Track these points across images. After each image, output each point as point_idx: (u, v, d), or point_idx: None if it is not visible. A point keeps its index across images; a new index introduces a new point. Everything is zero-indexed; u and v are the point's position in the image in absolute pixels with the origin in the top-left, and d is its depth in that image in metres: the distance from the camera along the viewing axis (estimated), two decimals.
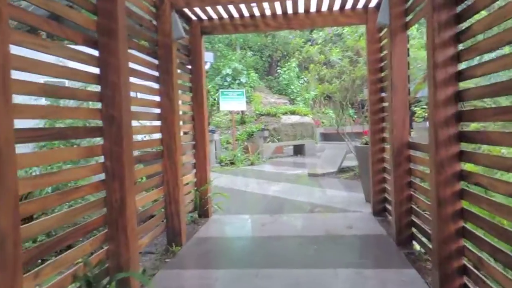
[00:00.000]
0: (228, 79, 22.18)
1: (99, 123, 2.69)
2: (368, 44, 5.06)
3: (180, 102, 4.83)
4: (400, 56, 3.86)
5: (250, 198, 7.07)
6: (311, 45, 8.96)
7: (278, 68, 25.64)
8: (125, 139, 2.68)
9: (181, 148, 4.22)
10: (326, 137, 22.89)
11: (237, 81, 21.91)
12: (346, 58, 7.65)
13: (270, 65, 28.28)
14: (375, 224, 4.61)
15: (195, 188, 5.27)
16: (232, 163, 11.63)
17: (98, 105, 2.69)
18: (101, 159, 2.69)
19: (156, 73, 4.02)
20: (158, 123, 4.03)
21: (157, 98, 4.06)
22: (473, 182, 2.41)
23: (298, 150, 14.29)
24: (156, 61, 4.04)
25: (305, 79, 25.90)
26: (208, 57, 9.23)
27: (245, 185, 8.26)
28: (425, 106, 8.85)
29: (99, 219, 2.64)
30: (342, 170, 9.32)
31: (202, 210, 5.27)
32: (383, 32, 4.74)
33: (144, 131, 3.89)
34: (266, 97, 23.78)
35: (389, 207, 4.81)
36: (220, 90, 12.50)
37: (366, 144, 5.90)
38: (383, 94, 4.99)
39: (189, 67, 5.20)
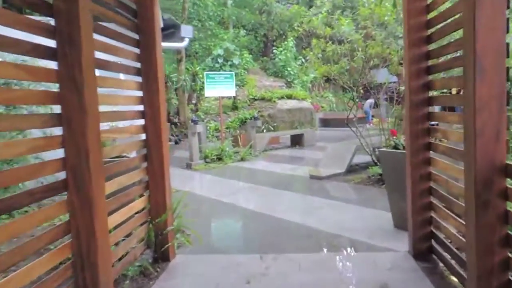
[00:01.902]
0: (220, 60, 20.32)
1: None
2: (408, 1, 3.29)
3: (109, 90, 3.11)
4: (492, 16, 2.11)
5: (234, 218, 5.39)
6: (315, 14, 7.12)
7: (274, 48, 23.70)
8: None
9: (102, 171, 2.48)
10: (325, 122, 21.15)
11: (229, 63, 20.06)
12: (360, 31, 5.88)
13: (265, 45, 26.28)
14: (424, 282, 2.93)
15: (149, 218, 3.56)
16: (219, 159, 9.91)
17: None
18: None
19: (52, 43, 2.25)
20: (59, 131, 2.28)
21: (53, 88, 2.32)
22: None
23: (296, 141, 12.58)
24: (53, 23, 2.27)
25: (303, 60, 24.00)
26: (185, 32, 7.45)
27: (229, 193, 6.56)
28: None
29: None
30: (351, 170, 7.64)
31: (159, 251, 3.58)
32: None
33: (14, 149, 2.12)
34: (260, 80, 21.92)
35: (441, 250, 3.14)
36: (205, 73, 10.69)
37: (395, 148, 4.18)
38: (430, 78, 3.27)
39: (136, 37, 3.42)
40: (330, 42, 7.16)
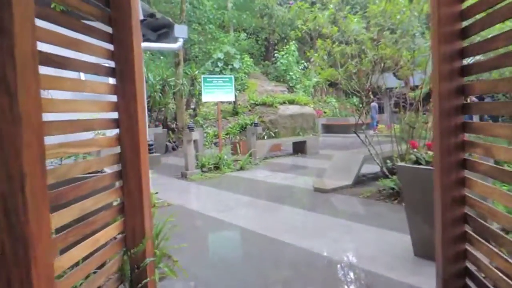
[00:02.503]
0: (220, 64, 19.79)
1: None
2: None
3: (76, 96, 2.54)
4: None
5: (230, 241, 4.78)
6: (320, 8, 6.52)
7: (276, 52, 23.17)
8: None
9: (45, 200, 1.88)
10: (328, 128, 20.58)
11: (229, 67, 19.53)
12: (372, 28, 5.29)
13: (267, 49, 25.78)
14: None
15: (124, 249, 2.96)
16: (216, 168, 9.31)
17: None
18: None
19: None
20: None
21: None
22: None
23: (299, 148, 11.99)
24: None
25: (305, 64, 23.45)
26: (179, 31, 6.89)
27: (226, 208, 5.95)
28: None
29: None
30: (358, 182, 7.03)
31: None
32: None
33: None
34: (262, 85, 21.37)
35: None
36: (202, 76, 10.12)
37: (417, 163, 3.58)
38: (465, 80, 2.67)
39: (109, 31, 2.83)
40: (337, 43, 6.58)
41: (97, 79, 2.86)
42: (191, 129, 8.64)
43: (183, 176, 8.70)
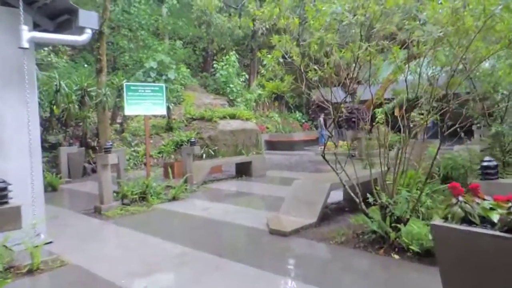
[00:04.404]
0: (153, 74, 17.72)
1: None
2: None
3: None
4: None
5: None
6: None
7: (215, 62, 21.56)
8: None
9: None
10: (271, 145, 19.23)
11: (163, 77, 17.52)
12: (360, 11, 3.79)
13: (205, 60, 24.07)
14: None
15: None
16: (143, 198, 7.37)
17: None
18: None
19: None
20: None
21: None
22: None
23: (243, 169, 10.35)
24: None
25: (246, 76, 22.06)
26: (85, 20, 5.01)
27: (146, 269, 4.11)
28: None
29: None
30: (325, 217, 5.54)
31: None
32: None
33: None
34: (200, 97, 19.58)
35: None
36: (125, 84, 8.18)
37: (468, 222, 2.09)
38: None
39: None
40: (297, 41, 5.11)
41: None
42: (107, 150, 6.66)
43: (97, 211, 6.66)
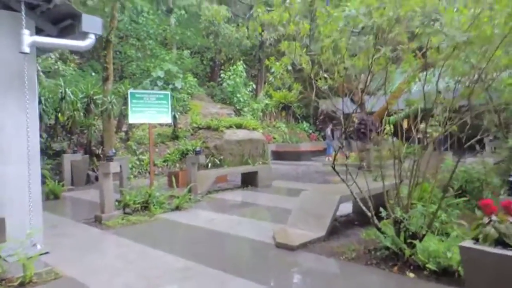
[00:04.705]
0: (160, 83, 17.68)
1: None
2: None
3: None
4: None
5: None
6: None
7: (222, 72, 21.49)
8: None
9: None
10: (278, 155, 19.01)
11: (170, 86, 17.46)
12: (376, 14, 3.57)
13: (212, 70, 24.04)
14: None
15: None
16: (145, 208, 7.18)
17: None
18: None
19: None
20: None
21: None
22: None
23: (249, 179, 10.13)
24: None
25: (253, 86, 21.93)
26: (88, 24, 4.88)
27: (146, 285, 3.90)
28: None
29: None
30: (334, 231, 5.28)
31: None
32: None
33: None
34: (206, 107, 19.47)
35: None
36: (130, 91, 8.05)
37: (501, 243, 1.86)
38: None
39: None
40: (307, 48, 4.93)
41: None
42: (109, 158, 6.49)
43: (97, 220, 6.46)
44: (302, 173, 13.37)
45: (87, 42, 5.10)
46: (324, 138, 20.33)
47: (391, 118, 8.19)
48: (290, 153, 18.76)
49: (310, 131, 22.65)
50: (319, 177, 12.06)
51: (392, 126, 6.51)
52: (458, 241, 4.16)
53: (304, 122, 22.94)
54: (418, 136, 4.50)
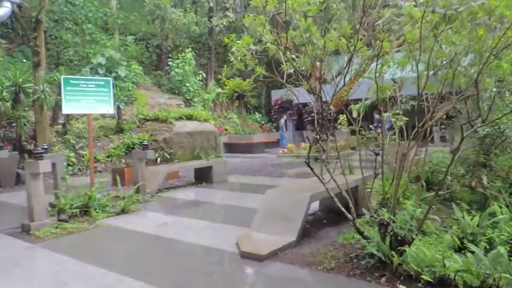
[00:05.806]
0: (101, 71, 16.30)
1: None
2: None
3: None
4: None
5: None
6: None
7: (170, 60, 20.29)
8: None
9: None
10: (230, 148, 18.30)
11: (113, 74, 16.12)
12: None
13: (159, 58, 22.68)
14: None
15: None
16: (85, 213, 6.20)
17: None
18: None
19: None
20: None
21: None
22: None
23: (203, 175, 9.34)
24: None
25: (203, 75, 20.94)
26: None
27: None
28: None
29: None
30: (304, 233, 4.69)
31: None
32: None
33: None
34: (153, 97, 18.26)
35: None
36: (63, 77, 6.95)
37: None
38: None
39: None
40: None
41: None
42: (38, 156, 5.45)
43: (24, 230, 5.42)
44: (257, 167, 12.77)
45: (3, 12, 4.07)
46: (277, 129, 19.90)
47: (357, 106, 7.72)
48: (243, 145, 18.13)
49: (263, 122, 22.14)
50: (275, 170, 11.53)
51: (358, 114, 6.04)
52: (450, 245, 3.72)
53: (256, 113, 22.38)
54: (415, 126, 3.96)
